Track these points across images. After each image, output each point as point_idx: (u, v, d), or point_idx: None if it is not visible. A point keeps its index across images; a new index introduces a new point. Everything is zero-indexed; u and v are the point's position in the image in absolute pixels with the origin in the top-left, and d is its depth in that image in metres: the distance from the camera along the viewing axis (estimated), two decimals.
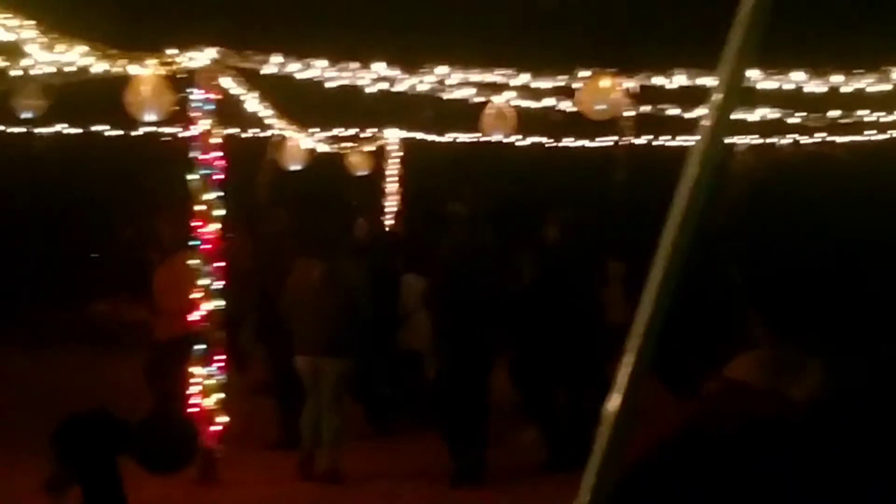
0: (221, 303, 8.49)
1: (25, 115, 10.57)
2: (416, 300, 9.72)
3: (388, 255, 10.19)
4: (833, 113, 10.94)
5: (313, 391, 8.53)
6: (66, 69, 7.64)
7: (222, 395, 8.50)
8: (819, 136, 12.52)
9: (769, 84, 8.19)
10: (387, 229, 13.49)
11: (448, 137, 15.39)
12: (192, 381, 8.49)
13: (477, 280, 8.40)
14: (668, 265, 1.42)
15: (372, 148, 15.20)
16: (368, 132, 15.11)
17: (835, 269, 1.41)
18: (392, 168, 15.42)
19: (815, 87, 8.22)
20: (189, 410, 8.49)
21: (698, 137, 1.50)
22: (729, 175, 1.54)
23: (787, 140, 12.79)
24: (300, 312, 8.45)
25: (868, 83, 8.10)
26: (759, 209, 1.47)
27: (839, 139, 12.65)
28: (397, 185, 15.37)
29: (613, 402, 1.43)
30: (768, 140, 12.90)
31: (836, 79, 8.06)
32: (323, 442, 8.52)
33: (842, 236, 1.41)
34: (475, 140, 14.22)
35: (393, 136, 15.39)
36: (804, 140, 12.70)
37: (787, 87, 8.23)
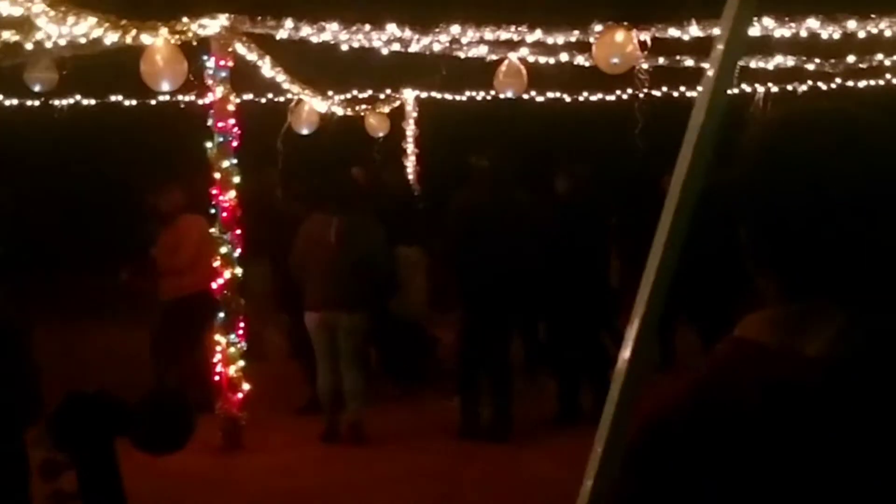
0: (240, 270, 8.54)
1: (37, 88, 10.63)
2: (409, 271, 9.80)
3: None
4: (850, 58, 10.87)
5: (326, 355, 8.54)
6: (79, 41, 7.65)
7: (244, 363, 8.55)
8: (837, 82, 12.44)
9: (784, 31, 8.13)
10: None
11: (464, 97, 15.34)
12: (214, 348, 8.57)
13: (500, 236, 8.33)
14: (676, 217, 1.44)
15: (389, 109, 15.17)
16: (385, 93, 15.09)
17: (848, 223, 1.40)
18: (410, 129, 15.45)
19: (830, 32, 8.16)
20: (201, 376, 8.60)
21: (702, 88, 1.52)
22: (742, 129, 1.54)
23: (805, 87, 12.73)
24: (315, 267, 8.40)
25: (883, 27, 8.03)
26: (771, 164, 1.46)
27: (859, 84, 12.58)
28: (414, 145, 15.40)
29: (623, 356, 1.46)
30: (787, 87, 12.83)
31: (851, 24, 7.99)
32: (346, 400, 8.55)
33: (854, 190, 1.40)
34: (492, 98, 14.23)
35: (410, 97, 15.37)
36: (822, 86, 12.62)
37: (802, 34, 8.16)
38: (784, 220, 1.43)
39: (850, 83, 12.51)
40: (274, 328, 10.82)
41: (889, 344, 1.39)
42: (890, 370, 1.38)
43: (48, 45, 8.03)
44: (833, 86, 12.54)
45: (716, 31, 1.49)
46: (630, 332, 1.42)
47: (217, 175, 8.48)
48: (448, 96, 15.40)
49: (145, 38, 7.86)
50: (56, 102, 13.60)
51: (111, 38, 7.54)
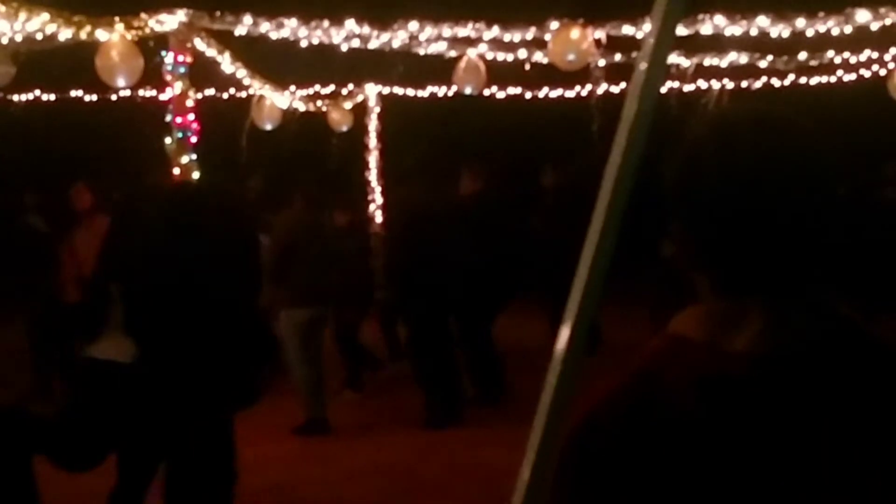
0: None
1: None
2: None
3: None
4: (802, 55, 11.04)
5: (308, 347, 8.74)
6: (34, 37, 7.64)
7: None
8: (791, 79, 12.60)
9: (735, 30, 8.26)
10: None
11: (426, 92, 15.38)
12: None
13: (432, 232, 8.71)
14: (609, 209, 1.47)
15: (351, 104, 15.19)
16: (347, 89, 15.11)
17: (776, 223, 1.44)
18: (373, 124, 15.46)
19: (780, 30, 8.29)
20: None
21: (633, 83, 1.56)
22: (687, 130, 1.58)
23: (759, 83, 12.88)
24: (309, 262, 8.68)
25: (831, 25, 8.17)
26: (701, 164, 1.49)
27: (811, 80, 12.76)
28: (377, 140, 15.43)
29: (560, 344, 1.47)
30: (742, 83, 12.98)
31: (800, 23, 8.14)
32: (316, 392, 8.84)
33: (783, 191, 1.44)
34: (454, 95, 14.28)
35: (372, 92, 15.39)
36: (776, 83, 12.78)
37: (752, 32, 8.29)
38: (713, 218, 1.46)
39: (803, 80, 12.69)
40: None
41: (812, 340, 1.43)
42: (813, 365, 1.41)
43: (3, 40, 8.00)
44: (786, 82, 12.72)
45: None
46: (566, 320, 1.43)
47: (176, 171, 8.48)
48: (410, 92, 15.43)
49: (100, 34, 7.85)
50: (13, 97, 13.51)
51: (65, 34, 7.53)
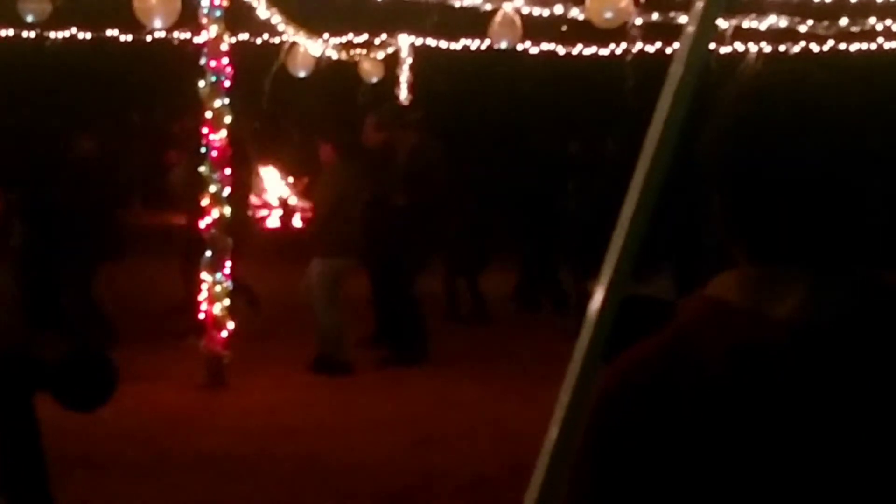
0: (228, 210, 8.62)
1: (29, 18, 10.59)
2: None
3: None
4: (843, 21, 10.88)
5: (334, 294, 9.03)
6: None
7: (229, 301, 8.66)
8: (830, 44, 12.45)
9: None
10: None
11: (458, 45, 15.30)
12: (200, 286, 8.66)
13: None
14: (652, 166, 1.47)
15: (383, 55, 15.14)
16: (380, 39, 15.05)
17: (818, 189, 1.40)
18: (405, 75, 15.41)
19: None
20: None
21: (681, 44, 1.54)
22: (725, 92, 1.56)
23: (798, 48, 12.73)
24: (344, 216, 8.86)
25: None
26: (742, 128, 1.45)
27: (851, 46, 12.59)
28: (407, 92, 15.39)
29: (594, 305, 1.49)
30: (780, 47, 12.83)
31: None
32: (341, 338, 9.05)
33: (826, 157, 1.40)
34: (486, 49, 14.20)
35: (404, 43, 15.33)
36: (815, 48, 12.63)
37: None
38: (754, 184, 1.43)
39: (843, 46, 12.53)
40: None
41: (854, 309, 1.40)
42: (854, 335, 1.39)
43: None
44: (825, 48, 12.56)
45: None
46: (601, 281, 1.43)
47: (208, 114, 8.51)
48: (443, 44, 15.36)
49: None
50: (52, 34, 13.55)
51: None
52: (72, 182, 9.01)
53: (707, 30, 1.47)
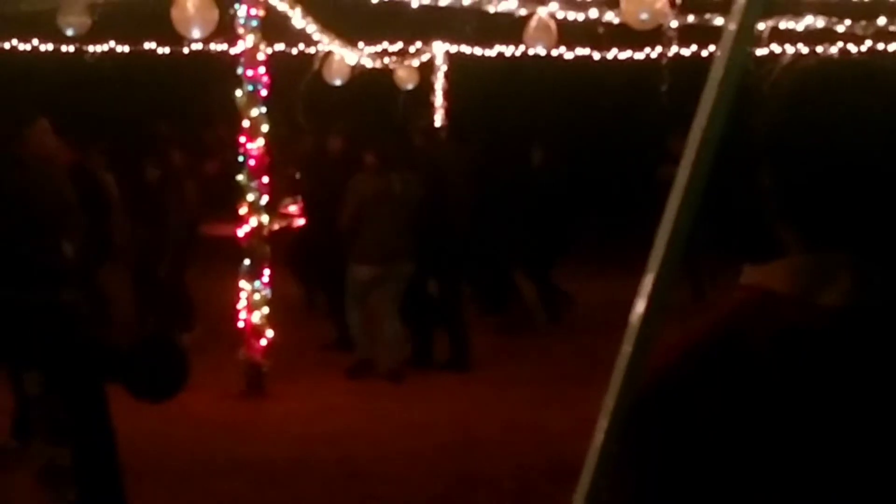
0: (266, 218, 8.67)
1: (69, 32, 10.73)
2: None
3: None
4: (881, 21, 10.77)
5: (365, 301, 9.01)
6: None
7: (268, 310, 8.70)
8: (868, 45, 12.31)
9: None
10: None
11: (493, 52, 15.31)
12: (239, 294, 8.71)
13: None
14: (693, 170, 1.46)
15: (418, 62, 15.18)
16: (415, 47, 15.09)
17: (870, 175, 1.41)
18: (440, 82, 15.47)
19: None
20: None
21: (721, 43, 1.53)
22: (770, 85, 1.50)
23: (835, 49, 12.61)
24: (374, 221, 8.87)
25: None
26: (796, 112, 1.45)
27: (889, 46, 12.44)
28: (443, 99, 15.44)
29: (638, 309, 1.44)
30: (817, 48, 12.73)
31: None
32: (388, 344, 9.09)
33: (879, 144, 1.40)
34: (521, 55, 14.20)
35: (439, 50, 15.37)
36: (853, 48, 12.50)
37: None
38: (806, 169, 1.43)
39: (881, 45, 12.40)
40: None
41: None
42: None
43: None
44: (863, 48, 12.43)
45: None
46: (644, 285, 1.41)
47: (246, 123, 8.57)
48: (477, 51, 15.38)
49: None
50: (90, 48, 13.70)
51: None
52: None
53: (748, 27, 1.45)
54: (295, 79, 12.34)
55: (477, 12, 10.83)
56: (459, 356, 9.50)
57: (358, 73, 13.36)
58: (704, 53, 13.10)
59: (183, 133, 10.98)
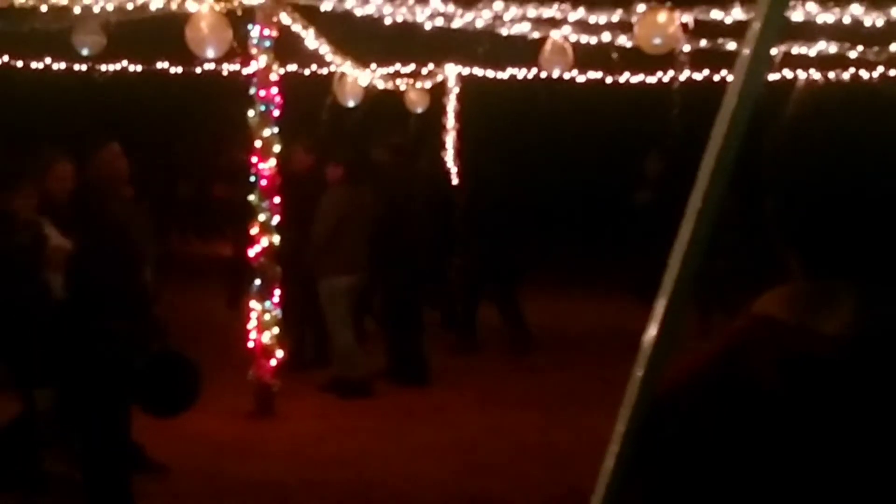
0: (277, 238, 8.66)
1: (84, 51, 10.77)
2: None
3: None
4: (894, 47, 10.77)
5: (348, 315, 9.22)
6: (125, 6, 7.77)
7: (278, 330, 8.68)
8: (880, 70, 12.32)
9: (827, 17, 8.09)
10: None
11: (505, 74, 15.32)
12: (249, 314, 8.70)
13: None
14: (707, 196, 1.45)
15: (431, 84, 15.20)
16: (427, 68, 15.10)
17: (875, 203, 1.40)
18: (452, 105, 15.48)
19: (873, 19, 8.10)
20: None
21: (736, 69, 1.52)
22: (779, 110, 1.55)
23: (847, 74, 12.62)
24: (351, 233, 9.03)
25: None
26: (803, 138, 1.45)
27: None
28: (455, 121, 15.44)
29: (650, 333, 1.44)
30: (829, 74, 12.73)
31: (895, 11, 7.94)
32: (355, 358, 9.26)
33: (885, 172, 1.40)
34: (534, 77, 14.21)
35: (451, 72, 15.38)
36: (865, 74, 12.50)
37: (845, 20, 8.11)
38: (811, 195, 1.43)
39: (894, 72, 12.40)
40: None
41: None
42: None
43: (96, 9, 8.15)
44: (875, 74, 12.43)
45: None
46: (657, 310, 1.41)
47: (258, 143, 8.58)
48: (490, 73, 15.38)
49: (190, 5, 7.97)
50: (103, 67, 13.76)
51: (156, 3, 7.65)
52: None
53: (763, 53, 1.44)
54: (310, 100, 12.37)
55: (489, 35, 10.84)
56: (419, 370, 9.65)
57: (372, 95, 13.38)
58: (716, 78, 13.09)
59: (195, 154, 10.96)
